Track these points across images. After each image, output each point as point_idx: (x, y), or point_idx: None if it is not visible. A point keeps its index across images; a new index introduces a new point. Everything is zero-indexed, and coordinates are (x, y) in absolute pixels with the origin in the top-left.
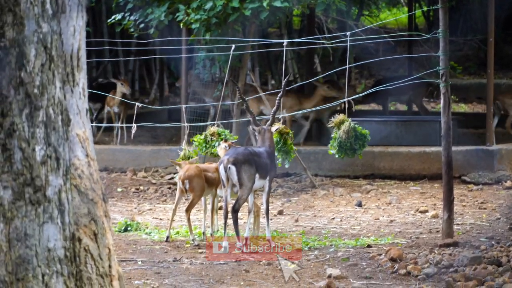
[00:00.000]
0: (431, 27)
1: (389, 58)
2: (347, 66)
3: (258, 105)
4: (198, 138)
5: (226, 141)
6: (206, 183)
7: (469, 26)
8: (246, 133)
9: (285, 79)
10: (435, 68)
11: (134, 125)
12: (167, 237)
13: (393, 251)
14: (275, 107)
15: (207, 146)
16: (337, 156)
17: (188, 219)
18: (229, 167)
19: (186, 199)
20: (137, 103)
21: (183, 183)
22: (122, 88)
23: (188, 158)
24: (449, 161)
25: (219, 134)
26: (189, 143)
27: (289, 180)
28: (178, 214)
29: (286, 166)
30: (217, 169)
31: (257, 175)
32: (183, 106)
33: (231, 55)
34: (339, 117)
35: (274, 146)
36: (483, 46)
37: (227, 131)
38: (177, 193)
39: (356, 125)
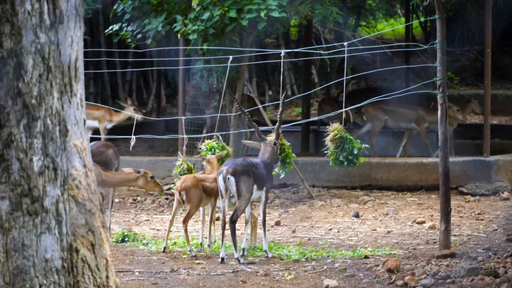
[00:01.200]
0: (428, 38)
1: (386, 69)
2: (345, 78)
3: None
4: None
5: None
6: (204, 193)
7: (466, 37)
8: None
9: (283, 95)
10: (432, 79)
11: (133, 137)
12: (164, 248)
13: (390, 262)
14: (278, 123)
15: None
16: (331, 164)
17: (185, 230)
18: (228, 178)
19: (183, 210)
20: (136, 116)
21: (180, 194)
22: (132, 113)
23: (190, 170)
24: (446, 172)
25: (214, 148)
26: (188, 154)
27: (287, 191)
28: (176, 225)
29: (282, 176)
30: (215, 180)
31: (254, 186)
32: (182, 117)
33: (228, 66)
34: (334, 126)
35: (274, 159)
36: (480, 56)
37: (223, 144)
38: (174, 203)
39: (348, 136)
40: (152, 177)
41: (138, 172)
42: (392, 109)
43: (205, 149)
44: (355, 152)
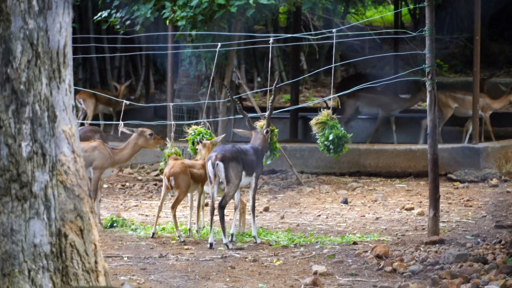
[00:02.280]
0: (417, 25)
1: (375, 56)
2: (333, 65)
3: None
4: (190, 136)
5: (200, 141)
6: (192, 180)
7: (455, 24)
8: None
9: (274, 84)
10: (421, 66)
11: (121, 123)
12: (153, 234)
13: (379, 248)
14: (269, 110)
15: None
16: (320, 150)
17: (174, 216)
18: (217, 164)
19: (172, 196)
20: (124, 101)
21: (168, 179)
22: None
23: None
24: (435, 159)
25: (202, 134)
26: (176, 140)
27: (275, 177)
28: (164, 211)
29: (268, 162)
30: (203, 166)
31: (243, 172)
32: (170, 104)
33: (217, 52)
34: (323, 113)
35: (265, 146)
36: (469, 44)
37: (206, 131)
38: (163, 189)
39: (331, 123)
40: (151, 134)
41: (133, 131)
42: (461, 97)
43: (192, 134)
44: (337, 139)
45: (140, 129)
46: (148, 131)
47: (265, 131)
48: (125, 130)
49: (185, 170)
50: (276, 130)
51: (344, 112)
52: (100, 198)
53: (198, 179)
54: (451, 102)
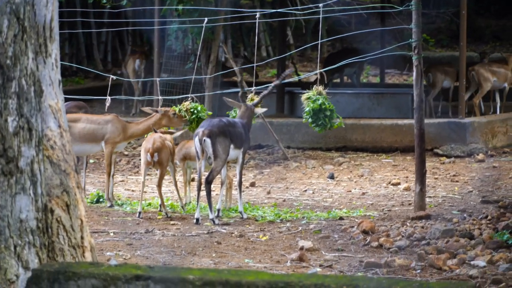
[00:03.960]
0: (404, 0)
1: (361, 32)
2: (320, 41)
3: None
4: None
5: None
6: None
7: None
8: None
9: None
10: (407, 40)
11: (108, 98)
12: (139, 213)
13: (365, 223)
14: (267, 91)
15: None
16: (303, 122)
17: (160, 194)
18: (204, 140)
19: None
20: (110, 76)
21: (152, 156)
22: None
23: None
24: (422, 134)
25: (192, 110)
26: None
27: (261, 152)
28: (150, 186)
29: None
30: (171, 140)
31: (231, 145)
32: (157, 79)
33: (204, 27)
34: (315, 88)
35: (250, 123)
36: (455, 18)
37: (201, 105)
38: (143, 166)
39: (318, 98)
40: (174, 114)
41: (157, 111)
42: (497, 70)
43: (184, 110)
44: (317, 111)
45: (163, 109)
46: (171, 111)
47: (253, 105)
48: (147, 109)
49: (165, 144)
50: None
51: (435, 87)
52: (114, 172)
53: (172, 153)
54: (490, 76)
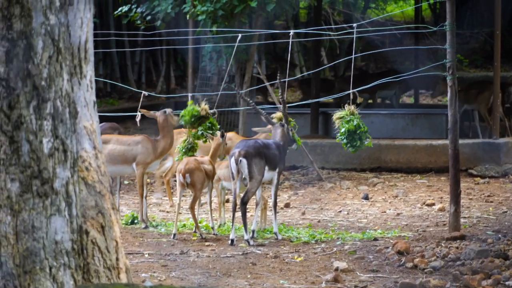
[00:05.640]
0: (437, 20)
1: (395, 49)
2: (353, 56)
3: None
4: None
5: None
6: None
7: (476, 19)
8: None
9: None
10: (441, 61)
11: (139, 113)
12: (174, 235)
13: (400, 244)
14: (282, 105)
15: (194, 121)
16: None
17: (194, 216)
18: (240, 160)
19: (190, 193)
20: (143, 92)
21: (184, 176)
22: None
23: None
24: (456, 154)
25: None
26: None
27: (296, 173)
28: (184, 207)
29: (294, 147)
30: (210, 162)
31: (266, 167)
32: (189, 94)
33: (236, 45)
34: (348, 108)
35: (286, 140)
36: (489, 39)
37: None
38: (178, 187)
39: (353, 118)
40: (165, 112)
41: (165, 112)
42: None
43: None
44: (352, 132)
45: (168, 110)
46: (168, 109)
47: (280, 124)
48: (146, 112)
49: (199, 167)
50: (292, 122)
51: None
52: (147, 194)
53: (208, 175)
54: None
